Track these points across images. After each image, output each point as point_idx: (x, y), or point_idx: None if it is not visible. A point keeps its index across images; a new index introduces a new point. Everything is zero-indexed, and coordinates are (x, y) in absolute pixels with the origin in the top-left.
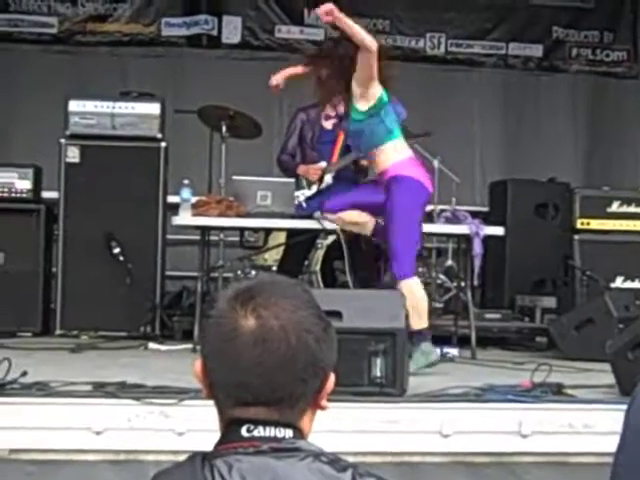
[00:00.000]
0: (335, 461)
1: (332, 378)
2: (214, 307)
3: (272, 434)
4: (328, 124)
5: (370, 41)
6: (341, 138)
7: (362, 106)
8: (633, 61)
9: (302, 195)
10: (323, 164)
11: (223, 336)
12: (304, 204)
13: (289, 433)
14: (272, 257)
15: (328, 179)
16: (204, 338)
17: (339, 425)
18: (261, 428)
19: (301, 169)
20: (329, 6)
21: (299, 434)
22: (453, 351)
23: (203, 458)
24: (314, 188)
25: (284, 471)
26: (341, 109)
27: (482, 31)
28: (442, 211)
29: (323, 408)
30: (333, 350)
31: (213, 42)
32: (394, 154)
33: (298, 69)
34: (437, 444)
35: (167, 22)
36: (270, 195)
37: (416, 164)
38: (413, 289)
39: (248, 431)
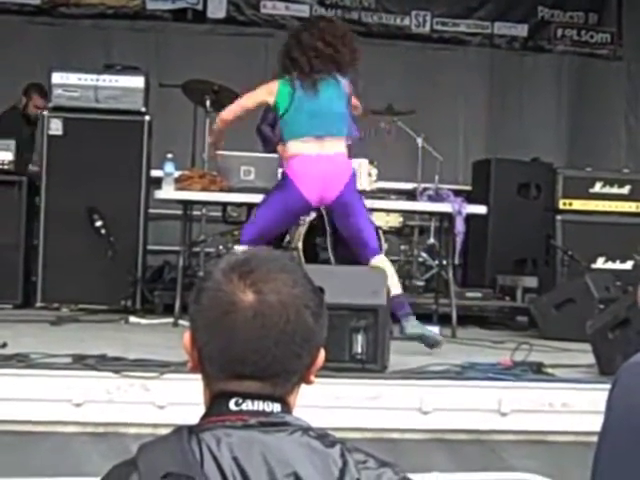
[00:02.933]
0: (323, 436)
1: (322, 353)
2: (210, 279)
3: (260, 408)
4: None
5: None
6: None
7: None
8: (617, 43)
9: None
10: None
11: (221, 309)
12: None
13: (277, 407)
14: None
15: None
16: (198, 310)
17: (319, 400)
18: (249, 402)
19: (280, 148)
20: None
21: (287, 408)
22: (434, 329)
23: (190, 431)
24: None
25: (273, 445)
26: None
27: (467, 10)
28: (425, 189)
29: (310, 383)
30: (325, 325)
31: (198, 17)
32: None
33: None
34: (417, 421)
35: None
36: (253, 170)
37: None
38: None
39: (236, 404)
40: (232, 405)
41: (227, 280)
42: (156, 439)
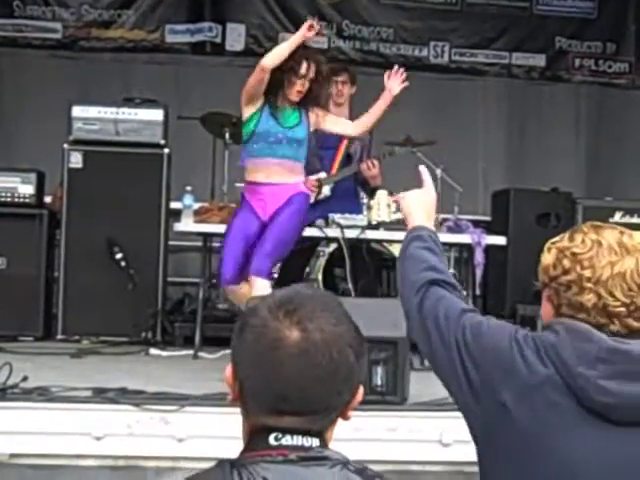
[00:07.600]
0: (362, 470)
1: (361, 390)
2: (255, 315)
3: (299, 443)
4: None
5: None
6: (343, 145)
7: None
8: (635, 73)
9: None
10: (322, 175)
11: (266, 345)
12: None
13: (316, 442)
14: None
15: (326, 191)
16: (241, 345)
17: (339, 433)
18: (289, 436)
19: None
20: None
21: (324, 443)
22: None
23: (232, 465)
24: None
25: (313, 479)
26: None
27: (485, 40)
28: (444, 220)
29: (347, 418)
30: (365, 364)
31: (217, 49)
32: None
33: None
34: (437, 453)
35: (171, 29)
36: None
37: None
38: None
39: (276, 439)
40: (272, 440)
41: (273, 317)
42: (199, 472)
